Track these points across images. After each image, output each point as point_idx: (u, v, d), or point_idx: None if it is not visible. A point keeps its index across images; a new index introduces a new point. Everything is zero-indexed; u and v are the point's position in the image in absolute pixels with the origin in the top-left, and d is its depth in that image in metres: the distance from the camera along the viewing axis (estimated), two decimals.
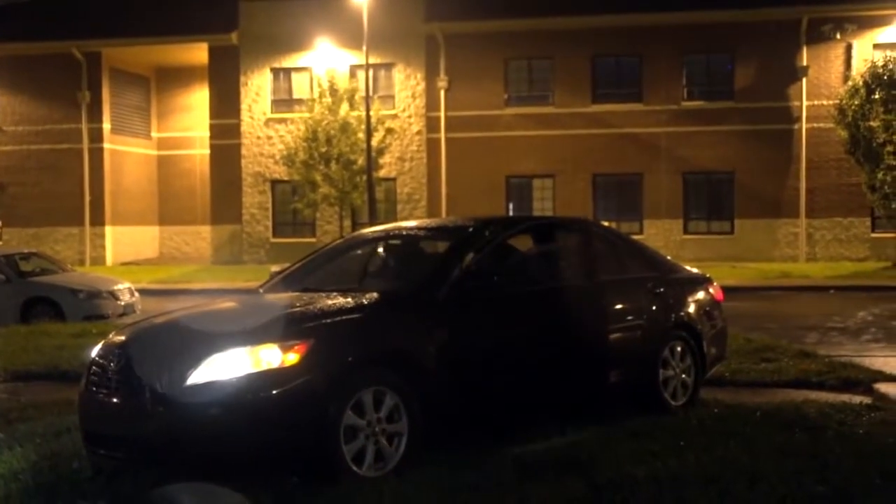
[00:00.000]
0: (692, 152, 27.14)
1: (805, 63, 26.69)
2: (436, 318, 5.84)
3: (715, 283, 8.06)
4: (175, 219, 33.06)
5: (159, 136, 33.23)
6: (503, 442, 5.89)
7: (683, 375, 7.14)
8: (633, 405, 6.77)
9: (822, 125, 26.23)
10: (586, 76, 27.80)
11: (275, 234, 29.29)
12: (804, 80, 26.69)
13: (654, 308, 7.10)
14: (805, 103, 26.70)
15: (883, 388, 7.91)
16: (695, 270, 8.20)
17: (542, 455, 5.64)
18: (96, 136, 30.18)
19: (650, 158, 27.23)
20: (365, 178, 25.50)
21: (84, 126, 30.06)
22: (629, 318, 6.96)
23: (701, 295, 7.70)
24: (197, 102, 31.91)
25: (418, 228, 7.47)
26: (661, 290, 7.24)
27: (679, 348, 7.16)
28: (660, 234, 26.34)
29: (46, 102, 30.16)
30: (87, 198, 30.04)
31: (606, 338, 6.77)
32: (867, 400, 7.36)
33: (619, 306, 6.92)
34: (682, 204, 27.57)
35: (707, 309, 7.67)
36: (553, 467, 5.36)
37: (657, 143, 27.28)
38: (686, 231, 27.62)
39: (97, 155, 30.19)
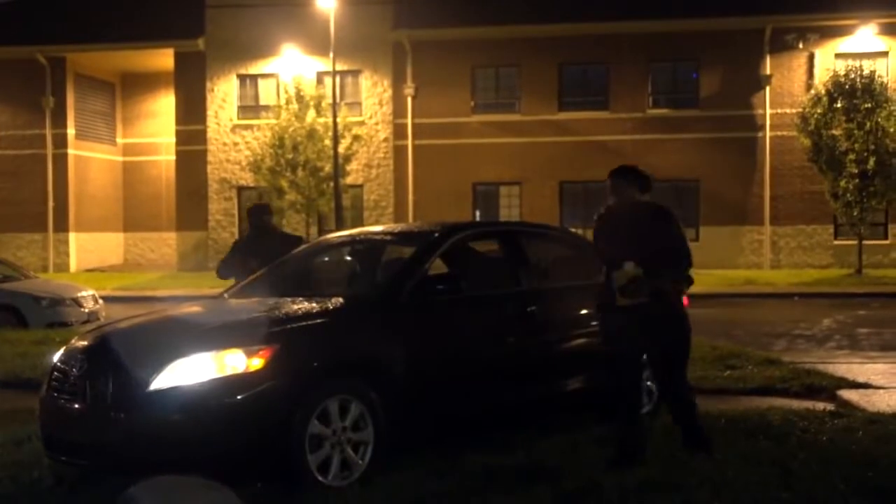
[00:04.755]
0: (658, 160, 27.21)
1: (768, 72, 27.02)
2: (401, 324, 5.83)
3: None
4: (140, 225, 32.74)
5: (124, 141, 32.89)
6: (469, 450, 5.87)
7: (648, 382, 7.15)
8: (597, 412, 6.77)
9: (785, 133, 26.55)
10: (553, 84, 27.93)
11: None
12: (767, 88, 27.01)
13: None
14: (769, 111, 27.02)
15: (846, 394, 7.98)
16: None
17: (508, 463, 5.63)
18: (60, 142, 29.80)
19: (616, 166, 27.33)
20: (332, 184, 25.42)
21: (48, 132, 29.67)
22: (593, 322, 6.95)
23: None
24: (163, 108, 31.63)
25: (384, 233, 7.47)
26: None
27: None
28: None
29: (10, 108, 29.75)
30: (51, 204, 29.64)
31: (570, 343, 6.76)
32: (831, 406, 7.43)
33: (582, 311, 6.85)
34: None
35: None
36: (520, 475, 5.36)
37: (623, 151, 27.38)
38: None
39: (61, 161, 29.81)
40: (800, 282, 22.96)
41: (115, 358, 5.32)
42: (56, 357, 5.74)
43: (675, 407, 5.93)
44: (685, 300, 7.99)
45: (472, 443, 5.97)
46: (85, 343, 5.66)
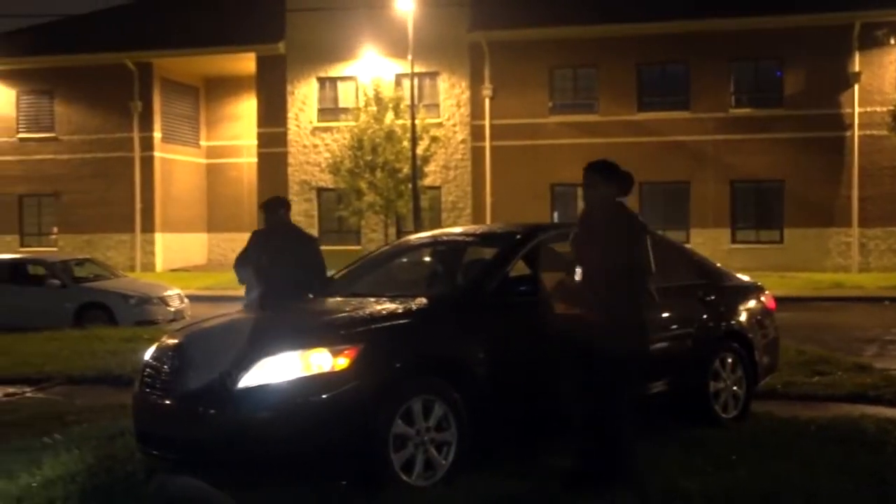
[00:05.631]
0: (740, 160, 26.80)
1: (857, 69, 26.22)
2: (483, 325, 5.82)
3: (767, 292, 7.92)
4: (223, 226, 33.44)
5: (208, 144, 33.67)
6: (552, 451, 5.84)
7: (734, 387, 7.02)
8: (682, 417, 6.67)
9: (875, 132, 25.72)
10: (632, 84, 27.61)
11: (320, 242, 29.41)
12: (856, 86, 26.20)
13: (703, 316, 7.00)
14: (857, 110, 26.20)
15: None
16: (746, 278, 8.04)
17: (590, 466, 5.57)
18: (147, 145, 30.68)
19: (698, 166, 26.95)
20: (410, 186, 25.58)
21: (136, 135, 30.56)
22: (677, 325, 6.85)
23: (752, 303, 7.57)
24: (245, 111, 32.29)
25: (465, 234, 7.49)
26: (712, 297, 7.13)
27: (730, 359, 7.04)
28: (707, 243, 26.00)
29: (100, 112, 30.73)
30: (139, 205, 30.53)
31: (652, 346, 6.65)
32: None
33: (667, 313, 6.72)
34: (729, 212, 27.24)
35: (759, 318, 7.53)
36: (601, 479, 5.30)
37: (705, 151, 27.00)
38: (734, 240, 27.28)
39: (148, 163, 30.69)
40: (890, 285, 22.20)
41: (205, 356, 5.45)
42: (148, 354, 5.90)
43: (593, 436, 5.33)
44: (772, 303, 7.85)
45: (552, 444, 5.93)
46: (175, 341, 5.81)
